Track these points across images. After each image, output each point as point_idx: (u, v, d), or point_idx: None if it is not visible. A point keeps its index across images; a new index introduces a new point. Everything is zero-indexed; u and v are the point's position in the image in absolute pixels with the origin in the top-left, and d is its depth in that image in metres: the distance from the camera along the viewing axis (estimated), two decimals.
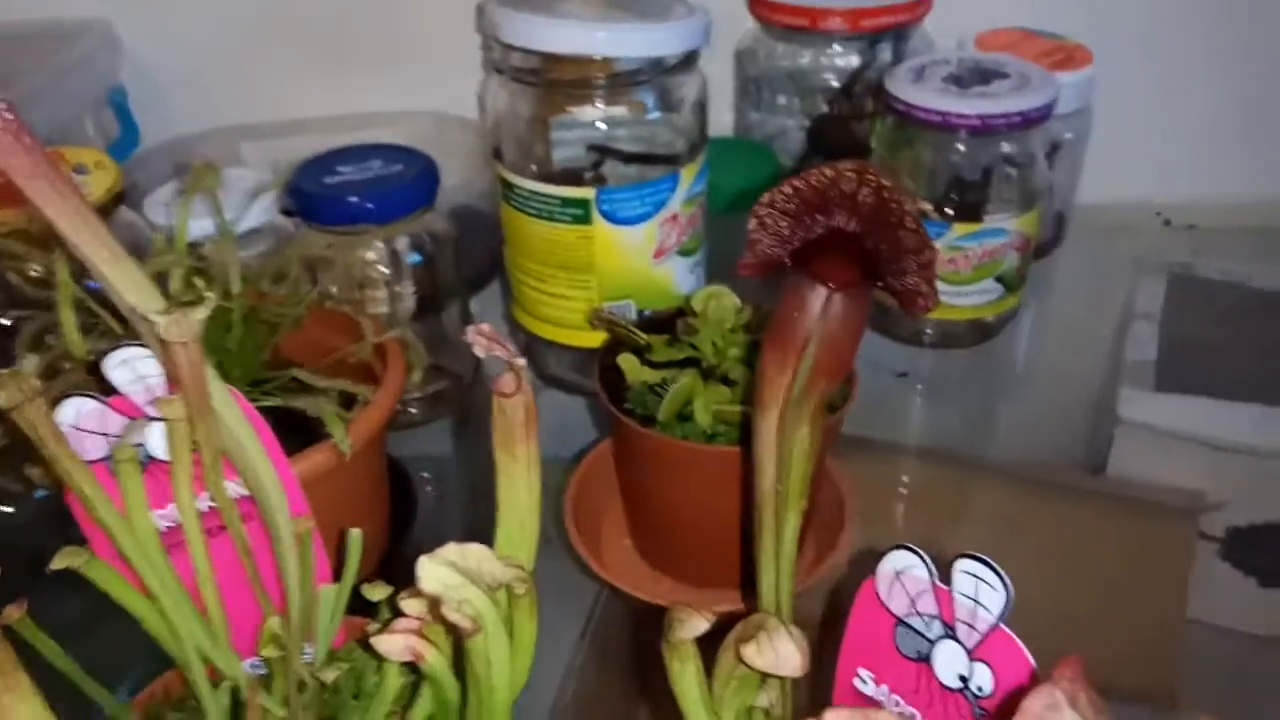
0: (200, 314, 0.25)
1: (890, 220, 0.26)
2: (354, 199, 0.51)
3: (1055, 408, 0.61)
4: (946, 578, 0.26)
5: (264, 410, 0.40)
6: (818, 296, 0.28)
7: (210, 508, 0.33)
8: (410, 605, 0.23)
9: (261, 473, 0.31)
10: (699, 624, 0.24)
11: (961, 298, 0.59)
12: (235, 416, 0.31)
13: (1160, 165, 0.73)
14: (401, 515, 0.48)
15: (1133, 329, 0.62)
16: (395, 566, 0.46)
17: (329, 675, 0.30)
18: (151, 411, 0.29)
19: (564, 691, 0.44)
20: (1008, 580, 0.24)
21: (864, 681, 0.29)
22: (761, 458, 0.29)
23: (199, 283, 0.38)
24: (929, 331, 0.61)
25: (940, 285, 0.59)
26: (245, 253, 0.51)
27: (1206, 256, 0.69)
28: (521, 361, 0.26)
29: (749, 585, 0.44)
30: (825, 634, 0.45)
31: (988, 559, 0.25)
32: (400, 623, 0.25)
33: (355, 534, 0.33)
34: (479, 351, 0.25)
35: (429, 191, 0.53)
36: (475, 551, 0.21)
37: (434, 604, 0.20)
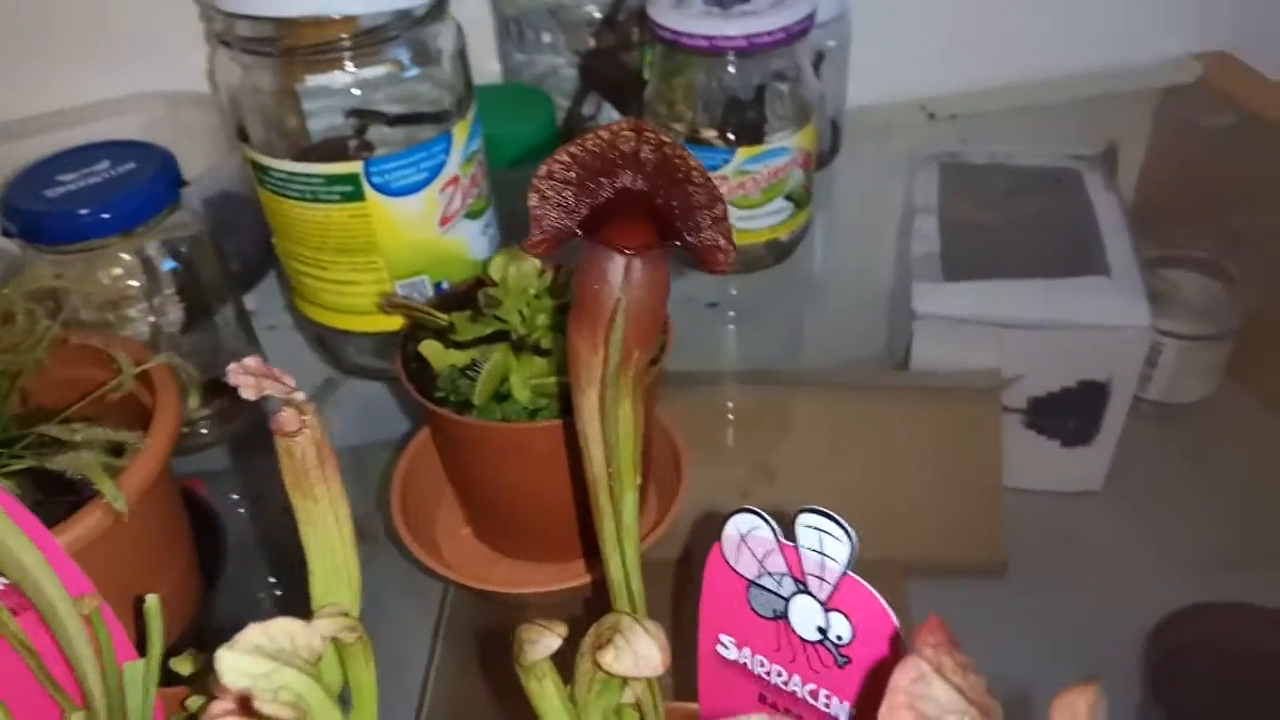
0: None
1: (676, 176, 0.25)
2: (84, 211, 0.45)
3: (857, 311, 0.62)
4: (790, 533, 0.25)
5: (21, 474, 0.35)
6: (616, 265, 0.26)
7: None
8: (221, 693, 0.20)
9: (23, 557, 0.27)
10: (551, 642, 0.23)
11: (755, 220, 0.59)
12: None
13: (918, 61, 0.76)
14: (211, 551, 0.44)
15: (915, 224, 0.64)
16: (214, 612, 0.42)
17: None
18: None
19: (426, 695, 0.42)
20: (850, 529, 0.24)
21: (726, 647, 0.28)
22: (587, 441, 0.28)
23: None
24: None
25: (734, 211, 0.59)
26: None
27: (972, 144, 0.72)
28: (301, 395, 0.23)
29: (594, 553, 0.43)
30: (681, 574, 0.46)
31: (828, 511, 0.24)
32: (217, 706, 0.22)
33: (153, 601, 0.29)
34: (248, 394, 0.22)
35: (171, 187, 0.47)
36: (281, 627, 0.19)
37: (245, 699, 0.18)
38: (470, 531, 0.46)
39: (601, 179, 0.26)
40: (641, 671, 0.22)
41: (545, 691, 0.24)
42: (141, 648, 0.30)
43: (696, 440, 0.47)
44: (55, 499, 0.36)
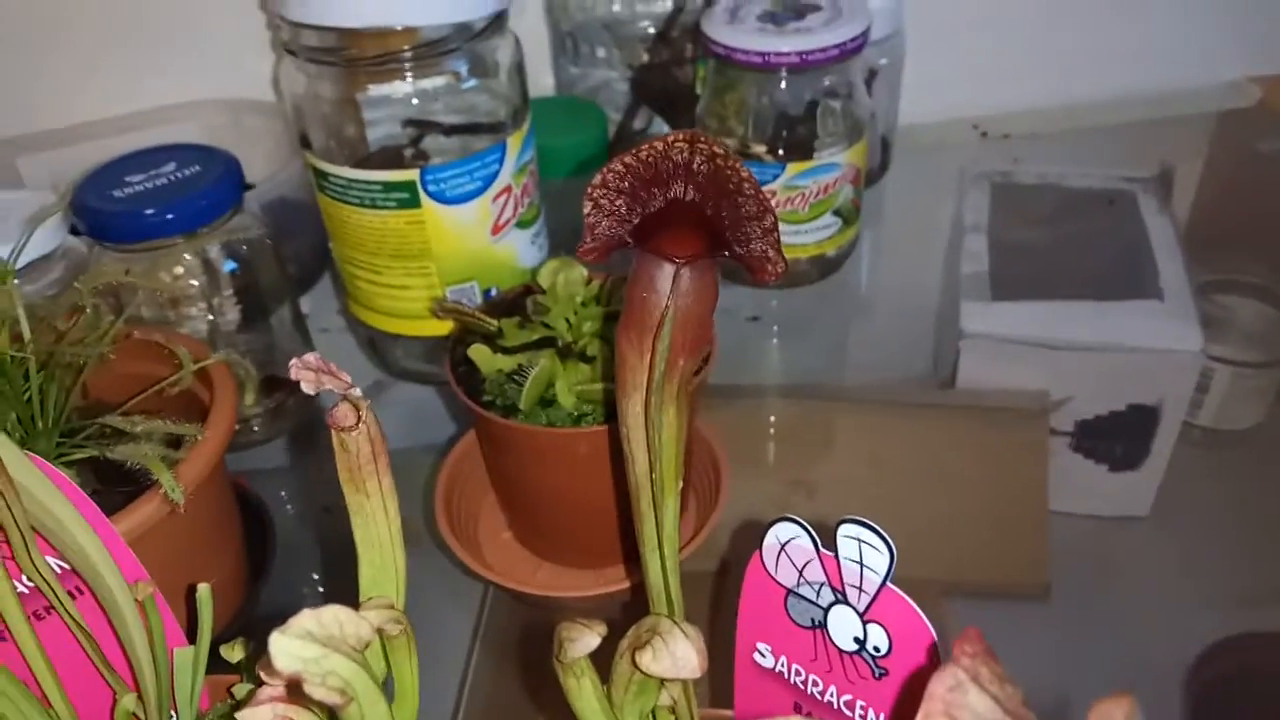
0: None
1: (728, 187, 0.25)
2: (150, 212, 0.46)
3: (903, 329, 0.62)
4: (830, 543, 0.25)
5: (81, 463, 0.37)
6: (665, 274, 0.26)
7: (33, 588, 0.29)
8: (270, 676, 0.21)
9: (83, 542, 0.28)
10: (590, 640, 0.23)
11: (802, 236, 0.59)
12: (41, 486, 0.28)
13: (971, 80, 0.75)
14: (260, 545, 0.45)
15: (965, 243, 0.64)
16: (261, 604, 0.43)
17: None
18: None
19: (463, 694, 0.43)
20: (890, 540, 0.24)
21: (763, 655, 0.28)
22: (631, 446, 0.28)
23: None
24: None
25: (781, 226, 0.59)
26: (34, 286, 0.46)
27: (1024, 164, 0.71)
28: (358, 392, 0.24)
29: (633, 559, 0.44)
30: (718, 585, 0.46)
31: (869, 521, 0.24)
32: (264, 691, 0.23)
33: (204, 590, 0.30)
34: (308, 388, 0.23)
35: (234, 191, 0.49)
36: (332, 614, 0.19)
37: (295, 683, 0.18)
38: (512, 535, 0.47)
39: (654, 189, 0.26)
40: (680, 673, 0.22)
41: (583, 690, 0.24)
42: (192, 635, 0.31)
43: (736, 453, 0.47)
44: (113, 489, 0.37)
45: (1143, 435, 0.53)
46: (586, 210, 0.25)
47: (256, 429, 0.54)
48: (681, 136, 0.25)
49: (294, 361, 0.23)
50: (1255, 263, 0.62)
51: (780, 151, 0.57)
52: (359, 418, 0.24)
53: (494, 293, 0.52)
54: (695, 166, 0.25)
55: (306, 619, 0.20)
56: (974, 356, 0.57)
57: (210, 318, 0.51)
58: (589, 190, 0.25)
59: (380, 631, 0.24)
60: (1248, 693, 0.44)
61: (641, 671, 0.23)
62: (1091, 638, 0.45)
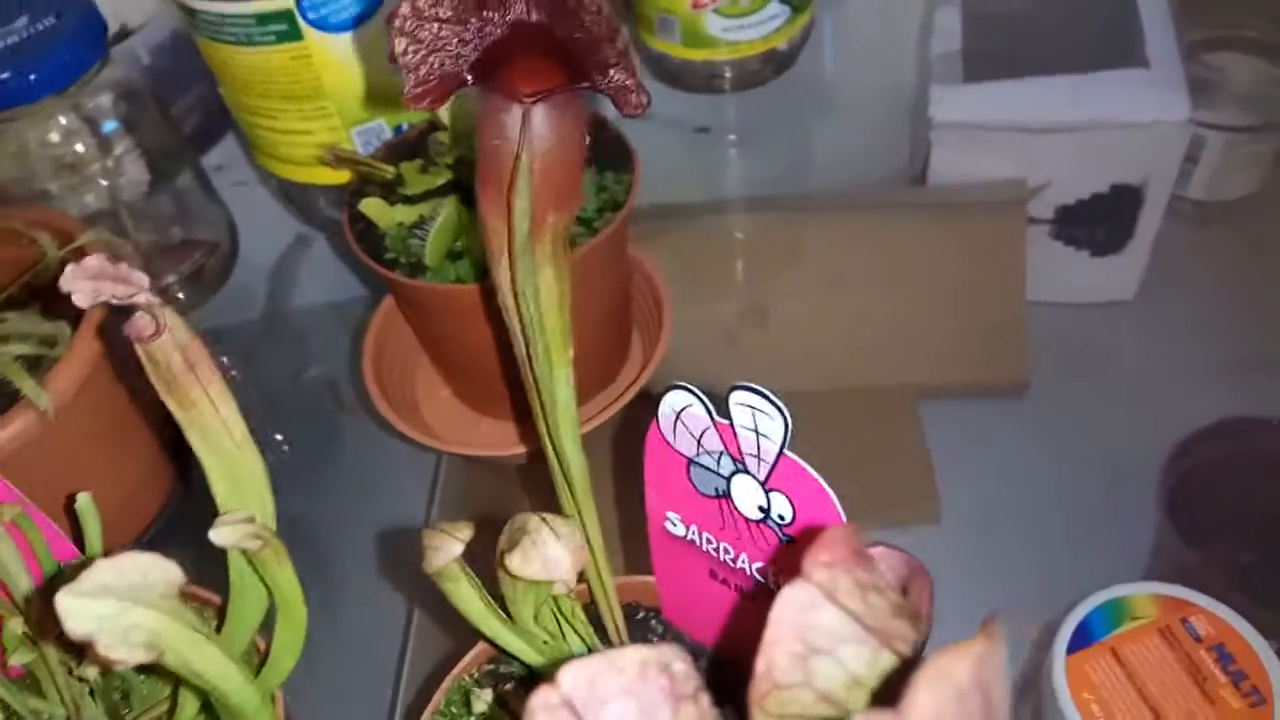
0: None
1: (568, 4, 0.21)
2: (6, 75, 0.42)
3: (873, 125, 0.57)
4: (726, 410, 0.23)
5: None
6: (514, 115, 0.22)
7: None
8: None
9: None
10: (453, 547, 0.21)
11: (747, 30, 0.53)
12: None
13: None
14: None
15: (935, 18, 0.58)
16: (194, 497, 0.41)
17: (90, 673, 0.26)
18: None
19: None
20: (783, 405, 0.21)
21: (674, 524, 0.26)
22: (508, 318, 0.25)
23: None
24: (726, 75, 0.56)
25: (721, 20, 0.53)
26: None
27: None
28: (147, 298, 0.21)
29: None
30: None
31: (760, 388, 0.21)
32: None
33: (84, 500, 0.28)
34: (81, 300, 0.20)
35: (98, 40, 0.44)
36: (132, 562, 0.17)
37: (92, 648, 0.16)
38: (450, 392, 0.45)
39: (486, 12, 0.22)
40: (552, 575, 0.20)
41: (462, 592, 0.22)
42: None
43: (685, 280, 0.44)
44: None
45: (1126, 216, 0.50)
46: (399, 49, 0.21)
47: (182, 296, 0.51)
48: None
49: (69, 269, 0.20)
50: (1253, 15, 0.55)
51: None
52: (159, 326, 0.21)
53: (405, 130, 0.48)
54: None
55: (102, 571, 0.17)
56: (946, 147, 0.52)
57: (104, 183, 0.47)
58: (394, 24, 0.21)
59: (243, 550, 0.22)
60: (1225, 478, 0.43)
61: (511, 574, 0.21)
62: (1071, 431, 0.44)
